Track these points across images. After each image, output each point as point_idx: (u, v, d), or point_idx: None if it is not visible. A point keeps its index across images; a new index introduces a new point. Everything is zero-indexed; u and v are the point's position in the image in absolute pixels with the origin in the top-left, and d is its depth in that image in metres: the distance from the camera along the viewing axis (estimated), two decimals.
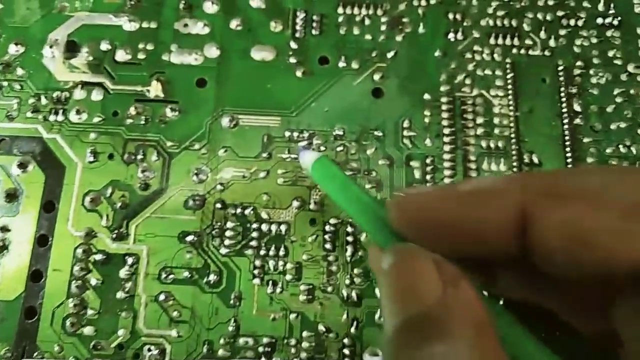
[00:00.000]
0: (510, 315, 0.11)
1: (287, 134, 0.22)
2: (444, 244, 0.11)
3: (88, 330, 0.20)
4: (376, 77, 0.23)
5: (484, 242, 0.11)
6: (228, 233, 0.21)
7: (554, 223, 0.10)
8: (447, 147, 0.22)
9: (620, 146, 0.22)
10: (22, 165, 0.22)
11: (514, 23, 0.24)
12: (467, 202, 0.11)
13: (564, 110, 0.23)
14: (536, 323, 0.11)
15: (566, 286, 0.11)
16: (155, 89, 0.23)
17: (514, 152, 0.22)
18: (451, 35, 0.24)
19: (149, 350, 0.20)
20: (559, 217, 0.10)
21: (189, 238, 0.21)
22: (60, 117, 0.22)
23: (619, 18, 0.24)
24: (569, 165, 0.22)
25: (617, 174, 0.11)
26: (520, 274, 0.12)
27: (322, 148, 0.22)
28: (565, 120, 0.23)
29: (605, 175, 0.11)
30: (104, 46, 0.23)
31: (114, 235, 0.21)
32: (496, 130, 0.22)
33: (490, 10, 0.24)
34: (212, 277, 0.20)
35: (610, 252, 0.10)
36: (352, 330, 0.20)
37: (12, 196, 0.21)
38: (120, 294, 0.20)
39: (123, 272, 0.21)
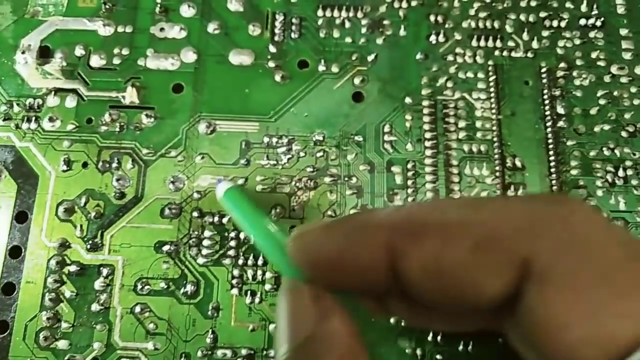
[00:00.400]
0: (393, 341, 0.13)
1: (266, 139, 0.22)
2: (333, 278, 0.12)
3: (62, 344, 0.19)
4: (356, 80, 0.23)
5: (363, 277, 0.12)
6: (205, 242, 0.20)
7: (414, 260, 0.11)
8: (428, 152, 0.22)
9: (605, 149, 0.22)
10: None
11: (496, 25, 0.24)
12: (343, 240, 0.12)
13: (547, 112, 0.22)
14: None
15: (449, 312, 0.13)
16: (130, 95, 0.22)
17: (496, 156, 0.22)
18: (432, 38, 0.23)
19: None
20: (418, 255, 0.11)
21: (166, 248, 0.20)
22: (33, 125, 0.22)
23: (602, 19, 0.24)
24: (552, 169, 0.22)
25: (473, 206, 0.11)
26: (405, 300, 0.13)
27: (302, 154, 0.22)
28: (549, 123, 0.22)
29: (462, 209, 0.11)
30: (78, 51, 0.23)
31: (89, 246, 0.20)
32: (478, 134, 0.22)
33: (472, 12, 0.24)
34: (190, 288, 0.20)
35: (463, 285, 0.11)
36: None
37: None
38: (95, 306, 0.20)
39: (98, 284, 0.20)
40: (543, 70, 0.23)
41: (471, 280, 0.11)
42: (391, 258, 0.11)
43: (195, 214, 0.21)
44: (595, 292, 0.10)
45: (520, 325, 0.11)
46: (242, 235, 0.21)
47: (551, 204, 0.11)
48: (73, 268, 0.20)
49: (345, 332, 0.11)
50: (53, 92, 0.22)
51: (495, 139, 0.22)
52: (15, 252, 0.20)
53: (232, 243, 0.20)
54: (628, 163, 0.22)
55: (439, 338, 0.18)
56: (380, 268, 0.12)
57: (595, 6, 0.24)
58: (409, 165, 0.22)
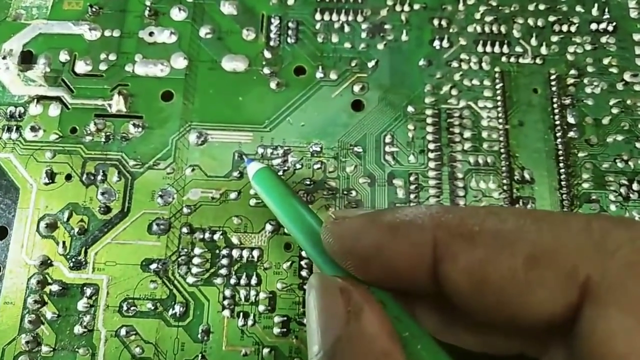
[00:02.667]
0: (431, 340, 0.11)
1: (260, 150, 0.21)
2: (368, 271, 0.12)
3: None
4: (356, 88, 0.22)
5: (402, 274, 0.11)
6: (195, 260, 0.19)
7: (462, 265, 0.10)
8: (432, 164, 0.21)
9: (618, 161, 0.21)
10: None
11: (503, 29, 0.22)
12: (384, 232, 0.11)
13: (557, 122, 0.21)
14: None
15: (482, 325, 0.12)
16: (117, 103, 0.21)
17: (504, 169, 0.21)
18: (436, 43, 0.22)
19: None
20: (467, 260, 0.10)
21: (153, 266, 0.19)
22: (14, 135, 0.21)
23: (614, 23, 0.22)
24: (563, 182, 0.21)
25: (531, 219, 0.11)
26: (439, 310, 0.12)
27: (298, 166, 0.21)
28: (559, 134, 0.21)
29: (519, 219, 0.11)
30: (63, 57, 0.22)
31: (72, 264, 0.19)
32: (485, 145, 0.21)
33: (477, 16, 0.23)
34: (178, 309, 0.19)
35: (511, 300, 0.10)
36: None
37: None
38: (78, 329, 0.19)
39: (81, 305, 0.19)
40: (552, 77, 0.22)
41: (522, 295, 0.10)
42: (436, 258, 0.11)
43: (185, 230, 0.20)
44: None
45: (572, 349, 0.10)
46: (234, 253, 0.19)
47: (619, 224, 0.10)
48: (55, 287, 0.19)
49: (378, 331, 0.11)
50: (35, 100, 0.21)
51: (502, 150, 0.21)
52: None
53: (224, 261, 0.19)
54: None
55: None
56: (423, 267, 0.11)
57: (606, 10, 0.23)
58: (412, 178, 0.20)
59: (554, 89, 0.22)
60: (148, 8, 0.22)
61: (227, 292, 0.19)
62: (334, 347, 0.11)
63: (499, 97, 0.22)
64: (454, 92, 0.22)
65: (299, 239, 0.14)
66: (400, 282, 0.12)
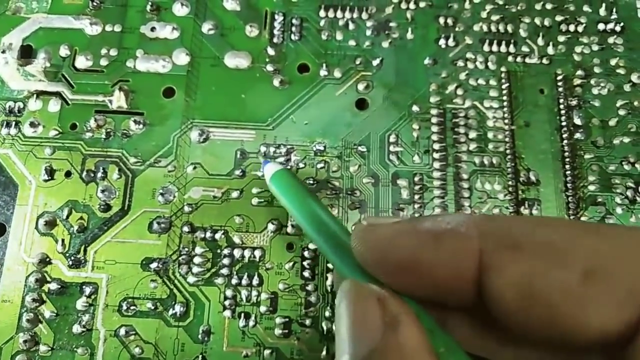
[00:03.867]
0: (465, 355, 0.11)
1: (263, 149, 0.20)
2: (403, 282, 0.11)
3: None
4: (360, 87, 0.21)
5: (439, 285, 0.11)
6: (196, 260, 0.19)
7: (510, 277, 0.10)
8: (437, 164, 0.20)
9: (624, 163, 0.21)
10: None
11: (509, 29, 0.22)
12: (425, 242, 0.11)
13: (564, 123, 0.21)
14: None
15: (520, 339, 0.11)
16: (118, 99, 0.21)
17: (509, 170, 0.20)
18: (442, 42, 0.22)
19: None
20: (516, 271, 0.10)
21: (153, 265, 0.19)
22: (13, 130, 0.20)
23: (622, 24, 0.22)
24: (569, 184, 0.20)
25: (586, 231, 0.10)
26: (473, 322, 0.12)
27: (301, 165, 0.20)
28: (565, 135, 0.21)
29: (572, 231, 0.10)
30: (63, 51, 0.21)
31: (71, 262, 0.19)
32: (490, 146, 0.21)
33: (484, 15, 0.22)
34: (179, 309, 0.18)
35: (563, 315, 0.09)
36: None
37: None
38: (76, 328, 0.18)
39: (80, 304, 0.19)
40: (559, 77, 0.22)
41: (576, 311, 0.09)
42: (479, 270, 0.10)
43: (185, 228, 0.19)
44: None
45: None
46: (236, 253, 0.19)
47: None
48: (53, 286, 0.19)
49: (416, 345, 0.10)
50: (35, 95, 0.21)
51: (508, 151, 0.21)
52: None
53: (225, 261, 0.19)
54: None
55: None
56: (465, 278, 0.10)
57: (614, 10, 0.22)
58: (416, 179, 0.20)
59: (560, 89, 0.21)
60: (150, 3, 0.22)
61: (229, 293, 0.19)
62: (367, 357, 0.10)
63: (505, 97, 0.21)
64: (459, 91, 0.21)
65: (321, 245, 0.14)
66: (438, 293, 0.11)
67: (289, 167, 0.20)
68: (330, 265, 0.19)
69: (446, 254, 0.10)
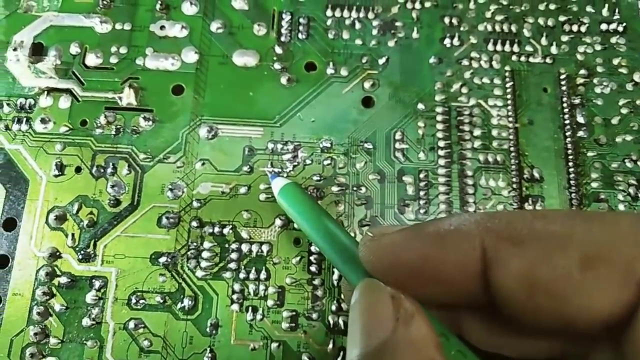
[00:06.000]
0: (474, 355, 0.11)
1: (271, 145, 0.21)
2: (412, 286, 0.11)
3: None
4: (367, 85, 0.22)
5: (447, 285, 0.11)
6: (205, 254, 0.19)
7: (513, 269, 0.10)
8: (442, 161, 0.21)
9: (627, 161, 0.21)
10: None
11: (513, 28, 0.22)
12: (430, 243, 0.11)
13: (567, 121, 0.21)
14: None
15: (535, 335, 0.11)
16: (127, 96, 0.21)
17: (513, 167, 0.21)
18: (447, 41, 0.22)
19: None
20: (518, 263, 0.10)
21: (162, 259, 0.19)
22: (24, 127, 0.21)
23: (624, 24, 0.23)
24: (572, 181, 0.21)
25: (581, 219, 0.11)
26: (485, 319, 0.12)
27: (308, 161, 0.21)
28: (568, 133, 0.21)
29: (568, 220, 0.11)
30: (74, 49, 0.22)
31: (81, 256, 0.19)
32: (494, 143, 0.21)
33: (488, 15, 0.23)
34: (187, 303, 0.19)
35: (566, 302, 0.10)
36: None
37: None
38: (86, 321, 0.19)
39: (90, 297, 0.19)
40: (562, 77, 0.22)
41: (578, 297, 0.10)
42: (486, 265, 0.11)
43: (194, 223, 0.20)
44: None
45: (623, 350, 0.10)
46: (243, 248, 0.19)
47: None
48: (63, 280, 0.19)
49: (427, 341, 0.10)
50: (46, 92, 0.21)
51: (512, 149, 0.21)
52: (2, 262, 0.19)
53: (233, 255, 0.19)
54: None
55: None
56: (471, 275, 0.11)
57: (616, 11, 0.23)
58: (421, 175, 0.20)
59: (563, 88, 0.22)
60: (159, 2, 0.22)
61: (236, 287, 0.19)
62: (378, 351, 0.10)
63: (509, 96, 0.22)
64: (464, 90, 0.22)
65: (331, 255, 0.14)
66: (446, 293, 0.11)
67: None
68: None
69: (451, 254, 0.11)
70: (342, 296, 0.19)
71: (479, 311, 0.12)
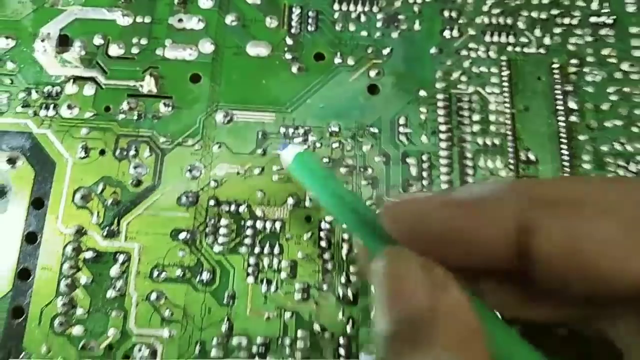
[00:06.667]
0: (501, 320, 0.11)
1: (282, 130, 0.22)
2: (437, 253, 0.11)
3: (77, 330, 0.19)
4: (372, 73, 0.23)
5: (480, 253, 0.10)
6: (222, 230, 0.21)
7: (555, 233, 0.10)
8: (443, 144, 0.22)
9: (616, 144, 0.22)
10: (11, 161, 0.21)
11: (509, 21, 0.24)
12: (463, 211, 0.11)
13: (560, 107, 0.23)
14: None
15: (560, 300, 0.11)
16: (148, 84, 0.22)
17: (510, 150, 0.22)
18: (447, 33, 0.24)
19: (140, 350, 0.19)
20: (560, 227, 0.10)
21: (182, 236, 0.20)
22: (50, 112, 0.22)
23: (613, 17, 0.24)
24: (565, 163, 0.22)
25: (618, 183, 0.11)
26: (508, 286, 0.11)
27: (318, 145, 0.22)
28: (561, 118, 0.23)
29: (606, 185, 0.10)
30: (97, 40, 0.23)
31: (105, 233, 0.21)
32: (492, 128, 0.22)
33: (485, 8, 0.24)
34: (205, 276, 0.20)
35: (612, 264, 0.09)
36: (348, 329, 0.19)
37: (0, 192, 0.21)
38: (110, 293, 0.20)
39: (114, 271, 0.20)
40: (555, 66, 0.23)
41: (622, 261, 0.09)
42: (521, 232, 0.10)
43: (211, 202, 0.21)
44: None
45: None
46: (258, 225, 0.21)
47: None
48: (89, 255, 0.20)
49: (465, 308, 0.10)
50: (71, 80, 0.22)
51: (508, 133, 0.22)
52: (31, 238, 0.20)
53: (248, 232, 0.21)
54: (639, 158, 0.22)
55: None
56: (505, 243, 0.10)
57: (606, 4, 0.24)
58: (424, 157, 0.22)
59: (556, 77, 0.23)
60: None
61: (252, 260, 0.20)
62: (415, 321, 0.09)
63: (505, 84, 0.23)
64: (463, 78, 0.23)
65: (349, 222, 0.13)
66: (476, 261, 0.11)
67: (306, 147, 0.21)
68: (345, 236, 0.21)
69: (483, 221, 0.10)
70: (360, 262, 0.19)
71: (495, 274, 0.11)
